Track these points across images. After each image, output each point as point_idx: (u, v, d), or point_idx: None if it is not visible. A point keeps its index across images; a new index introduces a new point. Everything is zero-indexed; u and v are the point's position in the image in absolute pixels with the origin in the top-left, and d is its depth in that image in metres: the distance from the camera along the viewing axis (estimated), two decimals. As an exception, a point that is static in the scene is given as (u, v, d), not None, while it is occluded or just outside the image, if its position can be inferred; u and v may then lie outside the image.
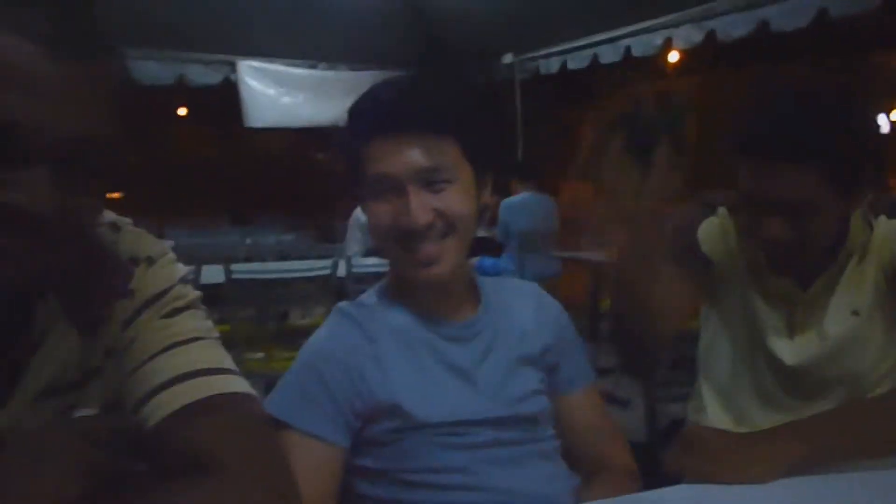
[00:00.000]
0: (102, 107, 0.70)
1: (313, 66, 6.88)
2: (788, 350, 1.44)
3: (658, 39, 5.63)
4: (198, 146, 11.44)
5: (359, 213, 5.35)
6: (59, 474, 0.68)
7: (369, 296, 1.29)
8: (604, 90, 9.62)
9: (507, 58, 7.09)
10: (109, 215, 0.87)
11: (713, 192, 1.55)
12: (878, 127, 1.34)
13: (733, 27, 4.98)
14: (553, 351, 1.31)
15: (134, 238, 0.88)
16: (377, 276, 1.36)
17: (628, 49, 5.92)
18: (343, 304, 1.28)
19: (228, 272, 3.96)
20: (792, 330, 1.44)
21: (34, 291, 0.78)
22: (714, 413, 1.53)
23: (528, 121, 7.36)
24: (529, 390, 1.25)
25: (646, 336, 1.34)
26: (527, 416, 1.23)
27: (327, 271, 4.13)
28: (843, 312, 1.41)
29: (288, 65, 6.80)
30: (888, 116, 7.36)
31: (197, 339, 0.85)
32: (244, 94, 6.57)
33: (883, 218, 1.42)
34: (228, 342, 0.90)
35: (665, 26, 5.53)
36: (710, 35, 5.17)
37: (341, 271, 4.23)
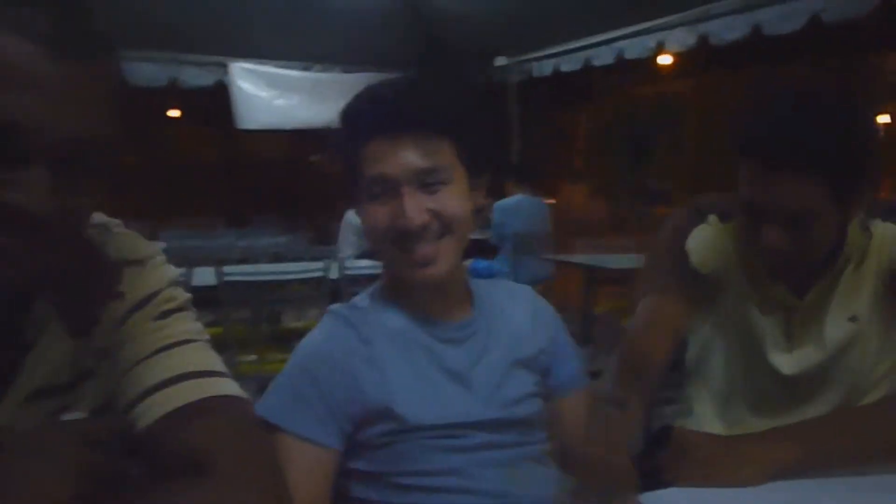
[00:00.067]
0: (100, 107, 0.70)
1: (307, 68, 6.88)
2: (786, 358, 1.43)
3: (651, 42, 5.65)
4: (192, 148, 11.43)
5: (351, 215, 5.35)
6: (55, 475, 0.68)
7: (363, 298, 1.29)
8: (598, 93, 9.65)
9: (501, 60, 7.11)
10: (100, 217, 0.86)
11: (704, 198, 1.54)
12: (877, 132, 1.33)
13: (726, 30, 4.99)
14: (547, 354, 1.31)
15: (124, 240, 0.88)
16: (371, 279, 1.36)
17: (622, 52, 5.93)
18: (336, 306, 1.28)
19: (222, 274, 3.96)
20: (789, 338, 1.43)
21: (28, 292, 0.78)
22: (707, 419, 1.52)
23: (522, 123, 7.38)
24: (524, 393, 1.25)
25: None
26: (521, 419, 1.23)
27: (321, 273, 4.13)
28: (842, 319, 1.40)
29: (282, 66, 6.80)
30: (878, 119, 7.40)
31: (188, 341, 0.85)
32: (237, 95, 6.57)
33: (879, 221, 1.41)
34: (221, 344, 0.89)
35: (658, 29, 5.55)
36: (704, 38, 5.18)
37: (335, 273, 4.23)
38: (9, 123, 0.64)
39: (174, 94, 7.04)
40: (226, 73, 6.53)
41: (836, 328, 1.40)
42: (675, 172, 9.63)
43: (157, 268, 0.89)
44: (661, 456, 1.19)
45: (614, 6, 5.61)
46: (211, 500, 0.73)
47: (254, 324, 4.16)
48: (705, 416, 1.53)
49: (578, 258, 5.98)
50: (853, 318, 1.40)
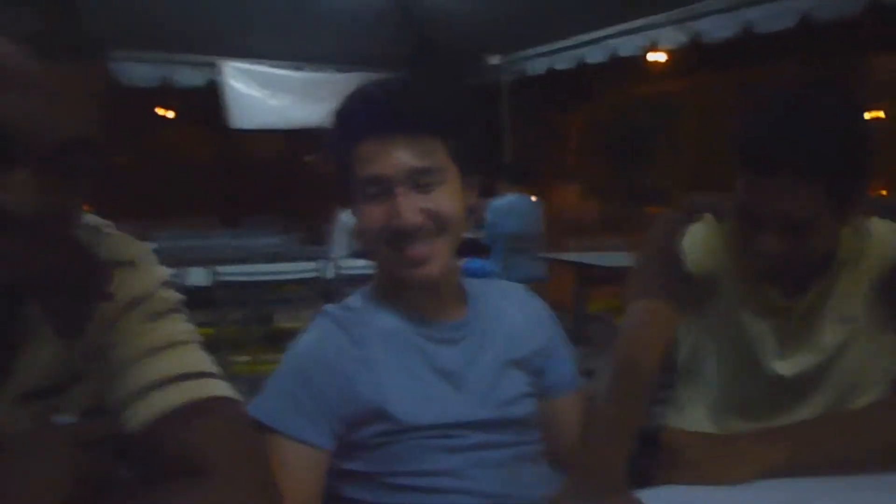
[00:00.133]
0: (88, 108, 0.70)
1: (300, 68, 6.87)
2: (780, 361, 1.41)
3: (643, 40, 5.66)
4: (185, 148, 11.40)
5: (345, 216, 5.34)
6: (47, 478, 0.68)
7: (356, 298, 1.29)
8: (591, 92, 9.65)
9: (494, 59, 7.10)
10: (90, 218, 0.86)
11: (697, 197, 1.52)
12: (873, 133, 1.29)
13: (718, 29, 5.00)
14: (541, 354, 1.31)
15: (115, 241, 0.88)
16: (364, 279, 1.36)
17: (614, 50, 5.94)
18: (329, 306, 1.28)
19: (216, 274, 3.96)
20: (784, 341, 1.42)
21: (16, 294, 0.78)
22: (699, 421, 1.52)
23: (514, 122, 7.38)
24: (518, 393, 1.26)
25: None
26: (515, 419, 1.23)
27: (315, 273, 4.13)
28: (837, 321, 1.39)
29: (275, 66, 6.79)
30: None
31: (179, 342, 0.85)
32: (230, 95, 6.56)
33: (876, 220, 1.39)
34: (215, 344, 0.89)
35: (650, 27, 5.56)
36: (695, 36, 5.19)
37: (329, 273, 4.23)
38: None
39: (167, 94, 7.03)
40: (219, 72, 6.52)
41: (831, 331, 1.39)
42: (668, 172, 9.64)
43: (148, 269, 0.88)
44: (653, 456, 1.19)
45: (606, 4, 5.62)
46: (203, 501, 0.73)
47: (247, 324, 4.16)
48: (697, 418, 1.52)
49: (571, 257, 5.99)
50: (848, 321, 1.38)
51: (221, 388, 0.84)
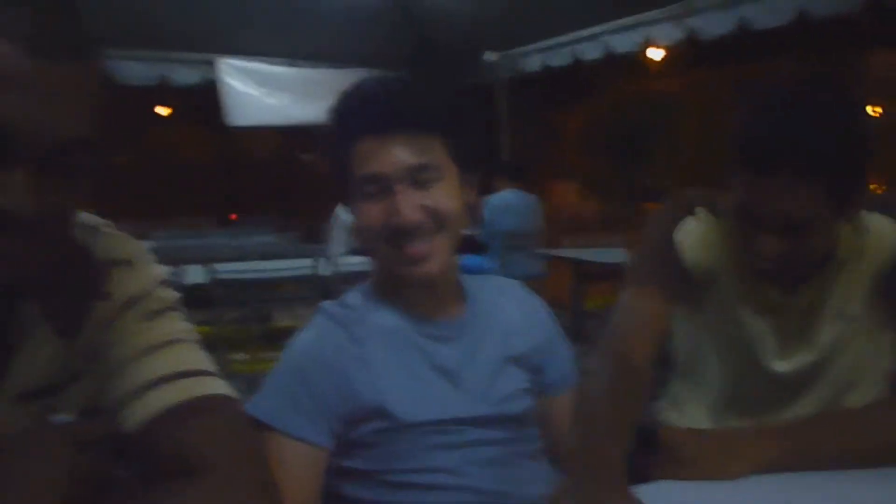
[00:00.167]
0: (86, 108, 0.69)
1: (297, 65, 6.86)
2: (779, 359, 1.41)
3: (639, 37, 5.65)
4: (182, 146, 11.39)
5: (342, 213, 5.34)
6: (44, 478, 0.68)
7: (353, 296, 1.29)
8: (587, 89, 9.65)
9: (490, 56, 7.10)
10: (88, 217, 0.86)
11: (694, 191, 1.51)
12: (872, 132, 1.27)
13: (713, 25, 5.00)
14: (539, 351, 1.31)
15: (112, 240, 0.87)
16: (362, 276, 1.36)
17: (610, 46, 5.93)
18: (327, 303, 1.28)
19: (213, 272, 3.95)
20: (782, 337, 1.41)
21: (14, 293, 0.78)
22: (696, 417, 1.51)
23: (512, 119, 7.37)
24: (516, 390, 1.26)
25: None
26: (513, 416, 1.24)
27: (312, 271, 4.13)
28: (836, 319, 1.38)
29: (272, 63, 6.78)
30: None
31: (177, 341, 0.85)
32: (227, 93, 6.55)
33: (876, 215, 1.38)
34: (212, 343, 0.89)
35: (645, 23, 5.55)
36: (691, 33, 5.19)
37: (326, 271, 4.23)
38: None
39: (165, 92, 7.02)
40: (216, 70, 6.51)
41: (829, 328, 1.38)
42: (665, 169, 9.65)
43: (145, 268, 0.88)
44: (649, 452, 1.19)
45: (602, 0, 5.61)
46: (201, 500, 0.73)
47: (245, 322, 4.16)
48: (694, 414, 1.52)
49: (569, 253, 5.99)
50: (847, 318, 1.38)
51: (219, 387, 0.84)
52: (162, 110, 10.66)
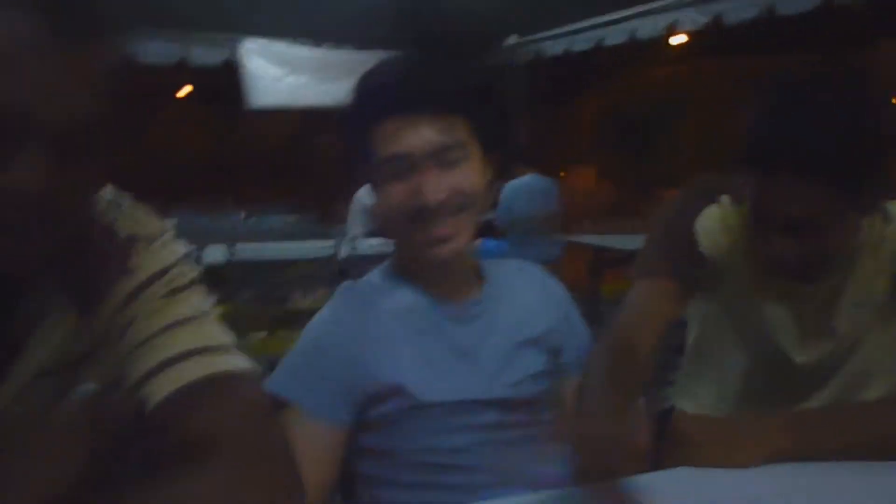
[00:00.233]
0: (102, 86, 0.69)
1: (317, 46, 6.84)
2: (797, 348, 1.40)
3: (663, 22, 5.59)
4: (201, 126, 11.40)
5: (361, 195, 5.34)
6: (65, 451, 0.69)
7: (374, 276, 1.30)
8: (610, 74, 9.58)
9: (511, 40, 7.06)
10: (109, 193, 0.86)
11: (713, 178, 1.49)
12: (893, 122, 1.22)
13: (739, 10, 4.94)
14: (557, 333, 1.31)
15: (134, 216, 0.88)
16: (380, 258, 1.36)
17: (634, 31, 5.88)
18: (347, 283, 1.29)
19: (231, 253, 3.97)
20: (800, 327, 1.40)
21: (32, 272, 0.78)
22: (709, 406, 1.51)
23: (531, 103, 7.33)
24: (532, 372, 1.26)
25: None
26: (530, 398, 1.24)
27: (329, 253, 4.14)
28: (856, 308, 1.37)
29: (292, 44, 6.76)
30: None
31: (197, 317, 0.85)
32: (247, 73, 6.54)
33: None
34: (230, 323, 0.89)
35: (670, 8, 5.50)
36: (717, 18, 5.13)
37: (343, 252, 4.24)
38: (4, 104, 0.64)
39: (184, 72, 7.02)
40: (236, 50, 6.51)
41: (849, 317, 1.37)
42: (686, 156, 9.57)
43: (166, 244, 0.88)
44: (660, 438, 1.19)
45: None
46: (219, 477, 0.74)
47: (262, 302, 4.18)
48: (707, 402, 1.52)
49: (586, 239, 5.97)
50: (867, 306, 1.37)
51: (239, 363, 0.85)
52: (181, 90, 10.67)
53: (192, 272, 0.89)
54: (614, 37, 6.05)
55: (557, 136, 9.07)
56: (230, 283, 3.91)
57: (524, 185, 5.92)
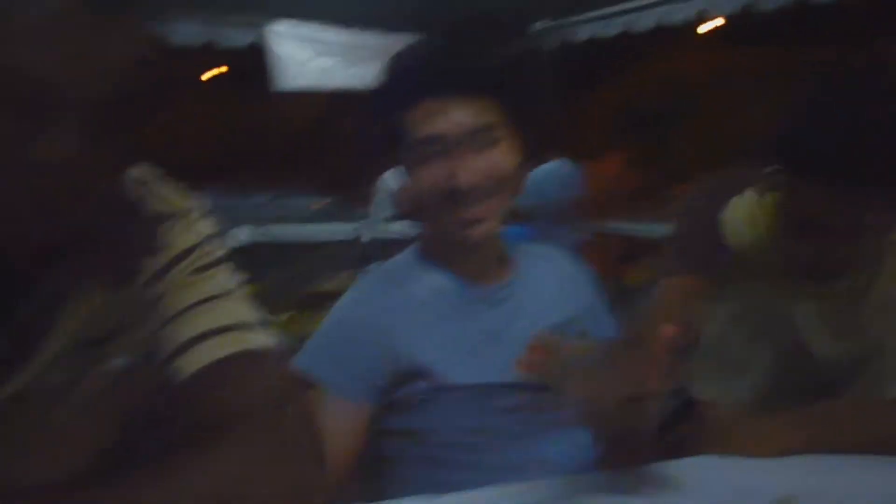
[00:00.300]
0: (131, 63, 0.70)
1: (346, 29, 6.83)
2: (824, 344, 1.38)
3: (693, 8, 5.53)
4: (228, 108, 11.44)
5: (386, 178, 5.35)
6: (93, 425, 0.70)
7: (402, 258, 1.30)
8: (637, 61, 9.50)
9: (539, 24, 7.02)
10: (138, 171, 0.87)
11: (740, 169, 1.46)
12: None
13: (772, -1, 4.87)
14: (583, 318, 1.31)
15: (163, 194, 0.88)
16: (404, 241, 1.37)
17: (662, 18, 5.82)
18: (374, 266, 1.30)
19: (256, 234, 4.00)
20: (826, 324, 1.38)
21: (62, 247, 0.79)
22: (731, 400, 1.50)
23: (558, 89, 7.28)
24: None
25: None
26: None
27: (354, 236, 4.16)
28: (881, 305, 1.35)
29: (320, 27, 6.76)
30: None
31: (226, 294, 0.86)
32: (275, 56, 6.56)
33: None
34: (254, 304, 0.90)
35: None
36: (748, 6, 5.06)
37: (368, 236, 4.25)
38: (38, 78, 0.64)
39: (212, 54, 7.04)
40: (264, 33, 6.52)
41: (875, 315, 1.35)
42: (715, 145, 9.47)
43: (196, 221, 0.89)
44: (683, 427, 1.19)
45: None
46: (245, 452, 0.75)
47: (286, 284, 4.20)
48: (728, 396, 1.51)
49: (612, 226, 5.94)
50: (893, 305, 1.34)
51: (266, 341, 0.85)
52: (209, 71, 10.71)
53: (220, 250, 0.90)
54: (643, 22, 6.00)
55: (585, 122, 9.00)
56: (255, 264, 3.94)
57: (551, 171, 5.90)
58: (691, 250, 1.39)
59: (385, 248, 4.00)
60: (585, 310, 1.32)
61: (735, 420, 1.21)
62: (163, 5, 0.76)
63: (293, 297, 4.05)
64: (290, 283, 4.21)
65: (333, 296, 1.27)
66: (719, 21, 5.85)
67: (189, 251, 0.86)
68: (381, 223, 4.65)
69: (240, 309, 0.86)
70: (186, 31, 6.20)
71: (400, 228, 4.32)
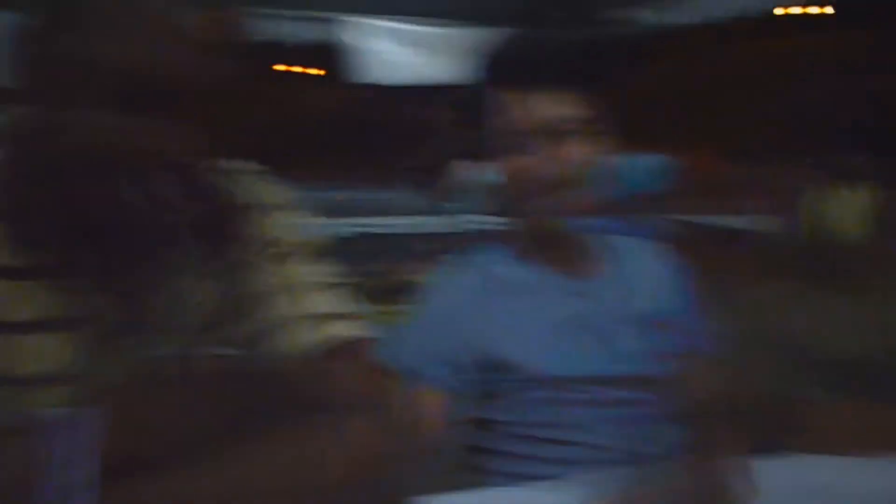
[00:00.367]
0: (232, 58, 0.72)
1: (427, 21, 6.86)
2: None
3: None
4: (317, 104, 11.61)
5: (472, 171, 5.35)
6: (196, 406, 0.73)
7: (490, 249, 1.31)
8: (726, 47, 9.25)
9: (625, 13, 6.92)
10: (229, 162, 0.89)
11: (832, 158, 1.41)
12: None
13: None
14: (672, 313, 1.29)
15: (258, 184, 0.90)
16: (488, 234, 1.38)
17: (743, 4, 5.65)
18: (459, 257, 1.31)
19: (343, 226, 4.05)
20: None
21: (161, 236, 0.82)
22: (821, 396, 1.45)
23: (646, 78, 7.17)
24: (645, 350, 1.24)
25: None
26: (641, 377, 1.23)
27: (443, 228, 4.18)
28: None
29: (405, 22, 6.80)
30: None
31: (316, 284, 0.88)
32: (362, 51, 6.63)
33: None
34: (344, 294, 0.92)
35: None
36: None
37: (455, 228, 4.27)
38: (143, 72, 0.67)
39: (305, 49, 7.16)
40: (350, 28, 6.60)
41: None
42: (806, 135, 9.16)
43: (289, 212, 0.91)
44: (781, 424, 1.17)
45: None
46: (337, 437, 0.76)
47: (374, 275, 4.25)
48: (816, 392, 1.46)
49: (700, 219, 5.81)
50: None
51: (355, 329, 0.87)
52: (298, 68, 10.87)
53: (311, 240, 0.92)
54: (722, 9, 5.85)
55: (672, 113, 8.83)
56: (343, 256, 4.00)
57: (638, 162, 5.81)
58: (790, 252, 1.36)
59: (472, 240, 4.01)
60: (675, 304, 1.30)
61: (830, 417, 1.17)
62: (246, 3, 0.78)
63: (379, 288, 4.10)
64: (375, 273, 4.26)
65: (418, 287, 1.29)
66: (802, 6, 5.64)
67: (282, 241, 0.88)
68: (467, 215, 4.66)
69: (330, 298, 0.88)
70: (271, 28, 6.32)
71: (485, 221, 4.31)
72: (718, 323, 1.31)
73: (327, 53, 7.22)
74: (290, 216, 0.92)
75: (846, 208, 1.33)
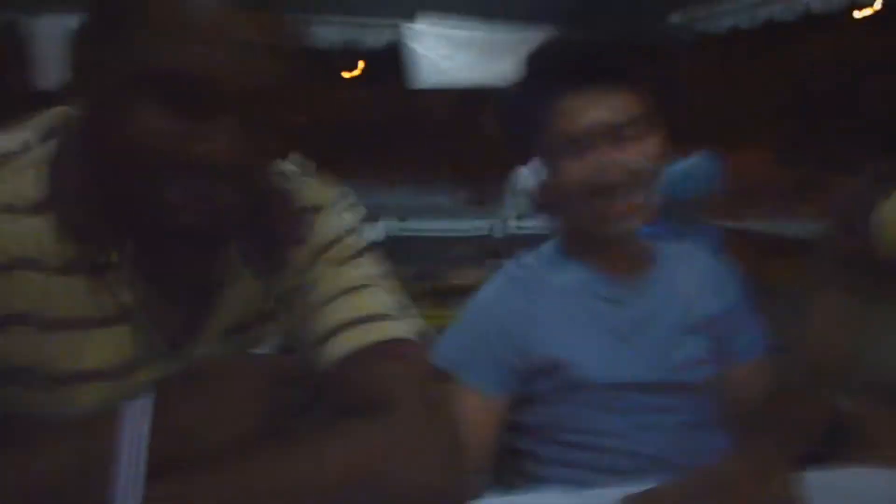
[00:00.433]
0: (282, 62, 0.73)
1: (483, 24, 6.86)
2: None
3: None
4: (369, 106, 11.68)
5: (522, 174, 5.33)
6: (244, 405, 0.73)
7: (540, 253, 1.30)
8: (779, 51, 9.11)
9: (676, 17, 6.84)
10: (286, 164, 0.90)
11: (890, 164, 1.36)
12: None
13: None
14: (723, 321, 1.27)
15: (311, 186, 0.91)
16: (536, 238, 1.37)
17: (808, 6, 5.55)
18: (508, 263, 1.30)
19: (388, 229, 4.07)
20: None
21: (220, 237, 0.83)
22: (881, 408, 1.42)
23: (697, 82, 7.09)
24: (694, 358, 1.23)
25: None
26: (689, 384, 1.21)
27: (485, 232, 4.18)
28: None
29: (455, 25, 6.82)
30: None
31: (366, 286, 0.88)
32: (414, 53, 6.66)
33: None
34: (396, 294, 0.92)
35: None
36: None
37: (499, 232, 4.26)
38: (200, 75, 0.68)
39: (353, 53, 7.23)
40: (401, 33, 6.64)
41: None
42: (866, 138, 8.97)
43: (341, 213, 0.92)
44: (834, 435, 1.14)
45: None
46: (387, 439, 0.76)
47: (417, 279, 4.26)
48: (876, 405, 1.42)
49: (752, 225, 5.73)
50: None
51: (406, 331, 0.87)
52: (347, 72, 10.96)
53: (362, 241, 0.92)
54: (787, 11, 5.75)
55: (724, 117, 8.71)
56: (387, 258, 4.01)
57: (688, 167, 5.74)
58: (841, 265, 1.32)
59: (518, 244, 3.99)
60: (726, 311, 1.28)
61: (884, 429, 1.15)
62: (307, 7, 0.79)
63: (424, 291, 4.10)
64: (421, 276, 4.27)
65: (467, 290, 1.29)
66: (871, 7, 5.52)
67: (335, 242, 0.89)
68: (516, 219, 4.65)
69: (382, 299, 0.88)
70: (327, 34, 6.40)
71: (534, 224, 4.30)
72: (770, 331, 1.28)
73: (377, 56, 7.28)
74: (345, 217, 0.92)
75: None
